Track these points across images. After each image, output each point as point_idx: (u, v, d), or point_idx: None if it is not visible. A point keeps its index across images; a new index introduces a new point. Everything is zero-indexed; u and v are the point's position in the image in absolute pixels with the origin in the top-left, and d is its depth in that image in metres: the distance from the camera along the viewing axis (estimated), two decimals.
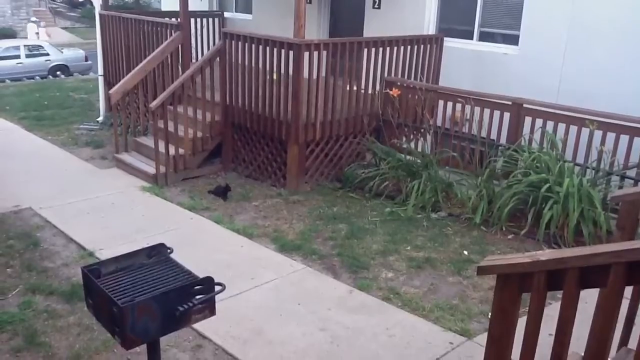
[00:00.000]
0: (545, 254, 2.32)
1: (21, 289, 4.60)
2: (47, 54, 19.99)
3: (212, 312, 2.94)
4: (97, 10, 10.13)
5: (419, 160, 6.76)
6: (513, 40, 7.44)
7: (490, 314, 2.62)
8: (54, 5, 37.40)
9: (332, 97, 6.95)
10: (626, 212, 3.15)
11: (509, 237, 5.78)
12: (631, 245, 2.09)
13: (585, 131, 5.83)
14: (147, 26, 8.77)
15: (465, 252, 5.43)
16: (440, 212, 6.28)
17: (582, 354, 2.83)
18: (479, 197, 6.09)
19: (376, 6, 8.75)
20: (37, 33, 26.71)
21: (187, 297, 2.82)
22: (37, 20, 28.51)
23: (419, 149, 7.02)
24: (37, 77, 17.98)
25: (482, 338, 3.57)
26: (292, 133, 6.81)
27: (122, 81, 7.99)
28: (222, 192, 6.74)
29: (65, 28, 33.15)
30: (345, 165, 7.33)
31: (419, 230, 5.91)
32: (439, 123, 7.04)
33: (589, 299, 2.44)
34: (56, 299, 4.46)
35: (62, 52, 20.56)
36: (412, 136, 7.43)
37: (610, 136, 5.71)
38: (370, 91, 7.29)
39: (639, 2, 6.28)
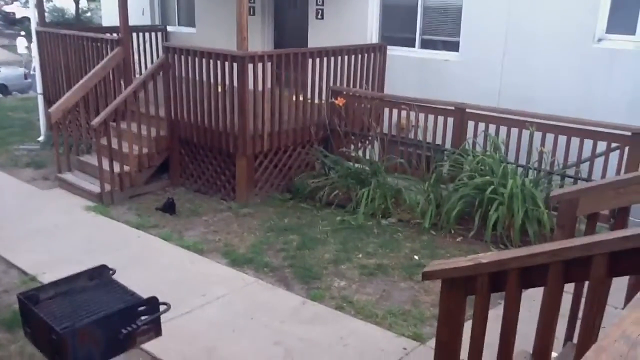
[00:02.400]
0: (487, 256, 2.35)
1: None
2: None
3: (158, 332, 2.87)
4: (34, 27, 9.83)
5: (367, 168, 6.81)
6: (454, 47, 7.61)
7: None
8: None
9: (279, 108, 6.94)
10: (565, 210, 3.23)
11: (458, 239, 5.87)
12: (567, 244, 2.14)
13: (526, 133, 6.00)
14: (86, 42, 8.57)
15: (416, 257, 5.49)
16: (390, 218, 6.33)
17: (531, 351, 2.90)
18: (427, 202, 6.17)
19: (319, 17, 8.81)
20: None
21: (130, 318, 2.74)
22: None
23: (367, 157, 7.07)
24: None
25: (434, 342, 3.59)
26: (239, 145, 6.75)
27: (62, 99, 7.75)
28: (170, 208, 6.62)
29: (2, 46, 32.09)
30: (294, 175, 7.31)
31: (369, 237, 5.94)
32: (385, 130, 7.13)
33: (537, 297, 2.49)
34: None
35: None
36: (359, 144, 7.49)
37: (550, 137, 5.89)
38: (316, 101, 7.31)
39: (571, 10, 6.52)
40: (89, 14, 33.93)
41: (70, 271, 3.27)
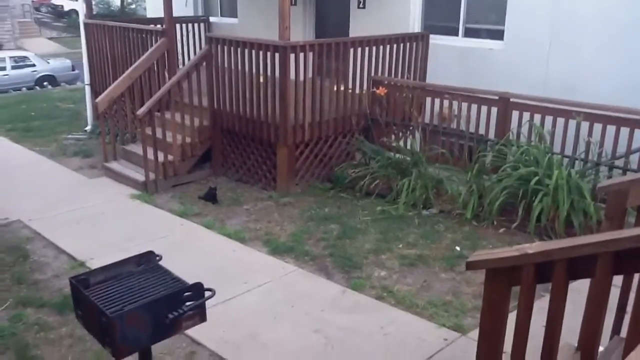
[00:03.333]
0: (533, 247, 2.32)
1: (11, 302, 4.56)
2: (33, 65, 19.91)
3: (203, 318, 2.92)
4: (82, 19, 10.08)
5: (408, 158, 6.76)
6: (498, 35, 7.46)
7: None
8: (39, 16, 37.26)
9: (320, 98, 6.95)
10: (613, 201, 3.15)
11: (501, 231, 5.79)
12: (616, 235, 2.10)
13: (572, 123, 5.84)
14: (132, 33, 8.74)
15: (458, 248, 5.44)
16: (432, 209, 6.28)
17: (576, 345, 2.84)
18: (470, 193, 6.10)
19: (361, 6, 8.76)
20: None
21: (176, 304, 2.80)
22: None
23: (408, 147, 7.02)
24: (24, 89, 17.87)
25: (476, 333, 3.55)
26: (280, 135, 6.80)
27: (108, 89, 7.96)
28: (212, 197, 6.73)
29: (51, 38, 33.04)
30: (335, 165, 7.32)
31: (410, 227, 5.91)
32: (427, 120, 7.06)
33: (582, 289, 2.44)
34: (47, 311, 4.43)
35: (48, 63, 20.47)
36: (400, 134, 7.44)
37: (597, 127, 5.73)
38: (357, 91, 7.29)
39: None
40: (133, 6, 34.61)
41: (117, 257, 3.36)
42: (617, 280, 2.64)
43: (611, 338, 3.12)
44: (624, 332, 3.05)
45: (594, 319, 2.31)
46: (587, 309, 2.39)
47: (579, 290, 2.56)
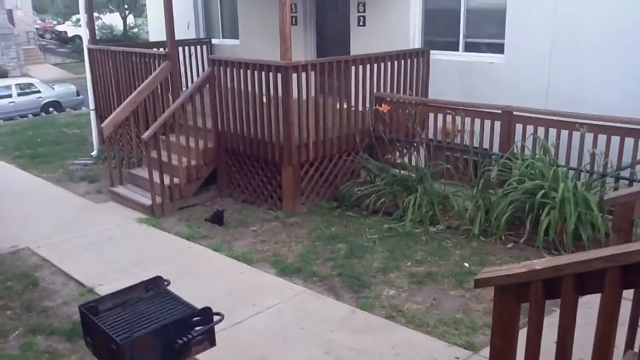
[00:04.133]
0: (541, 262, 2.31)
1: (21, 330, 4.56)
2: (39, 91, 20.10)
3: (213, 342, 2.92)
4: (86, 45, 10.19)
5: (413, 175, 6.77)
6: (498, 49, 7.50)
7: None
8: (44, 43, 37.72)
9: (323, 116, 6.98)
10: (621, 214, 3.15)
11: (509, 245, 5.76)
12: (625, 249, 2.08)
13: (576, 135, 5.85)
14: (135, 58, 8.82)
15: (466, 264, 5.41)
16: (439, 225, 6.27)
17: None
18: (476, 208, 6.08)
19: (361, 24, 8.83)
20: None
21: (185, 329, 2.80)
22: None
23: (413, 163, 7.03)
24: (30, 115, 18.02)
25: (488, 351, 3.53)
26: (285, 155, 6.82)
27: (113, 114, 8.01)
28: (219, 219, 6.74)
29: (55, 64, 33.39)
30: (340, 184, 7.33)
31: (418, 245, 5.89)
32: (430, 136, 7.07)
33: (593, 304, 2.43)
34: (57, 339, 4.42)
35: (53, 89, 20.66)
36: (405, 151, 7.45)
37: (602, 138, 5.73)
38: (360, 108, 7.32)
39: (620, 8, 6.34)
40: (136, 30, 34.99)
41: (126, 282, 3.38)
42: (629, 293, 2.63)
43: (625, 353, 3.09)
44: (637, 347, 3.02)
45: (605, 334, 2.29)
46: (599, 324, 2.37)
47: (590, 304, 2.54)
